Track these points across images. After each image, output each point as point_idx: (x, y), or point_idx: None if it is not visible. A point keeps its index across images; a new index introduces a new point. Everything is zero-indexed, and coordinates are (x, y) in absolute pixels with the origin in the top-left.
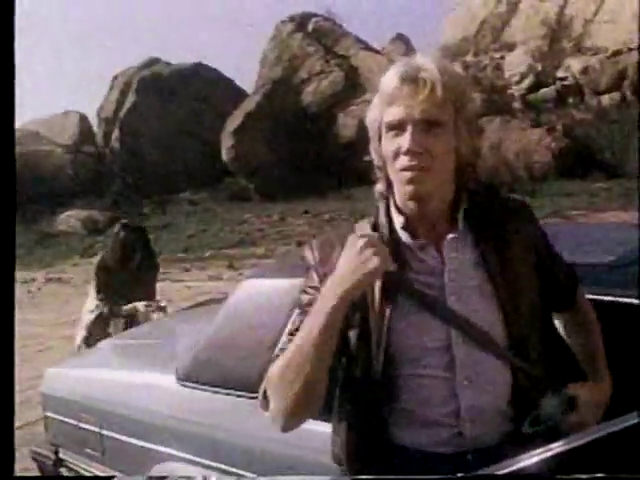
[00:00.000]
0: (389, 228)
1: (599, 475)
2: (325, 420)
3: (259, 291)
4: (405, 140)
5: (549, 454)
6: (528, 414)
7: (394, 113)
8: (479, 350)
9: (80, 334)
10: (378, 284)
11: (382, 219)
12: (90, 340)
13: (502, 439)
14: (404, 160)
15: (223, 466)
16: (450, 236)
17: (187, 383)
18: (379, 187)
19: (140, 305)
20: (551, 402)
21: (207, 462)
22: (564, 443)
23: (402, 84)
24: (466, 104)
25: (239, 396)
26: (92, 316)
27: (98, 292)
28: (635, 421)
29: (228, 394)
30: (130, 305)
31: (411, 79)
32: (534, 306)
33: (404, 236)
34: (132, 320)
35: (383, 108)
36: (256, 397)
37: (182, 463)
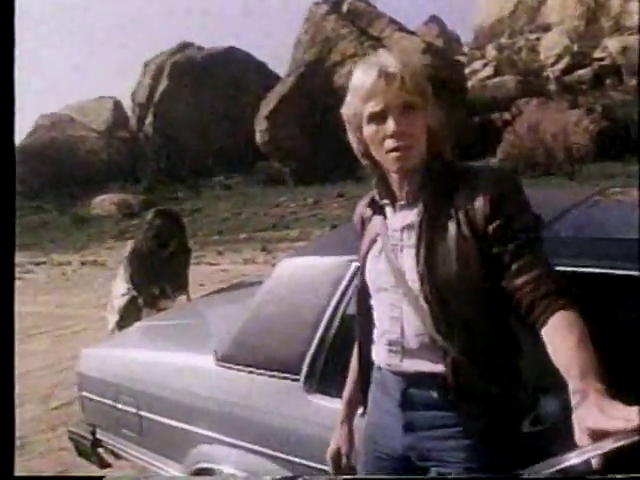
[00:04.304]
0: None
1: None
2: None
3: (298, 270)
4: (389, 126)
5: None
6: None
7: (374, 105)
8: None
9: (112, 318)
10: (366, 241)
11: (375, 192)
12: (123, 324)
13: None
14: (390, 142)
15: (262, 449)
16: (400, 202)
17: (226, 364)
18: (368, 169)
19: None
20: (551, 402)
21: (246, 445)
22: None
23: (378, 80)
24: (427, 87)
25: (279, 377)
26: (124, 300)
27: (131, 279)
28: None
29: (268, 375)
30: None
31: (384, 74)
32: (464, 280)
33: (384, 201)
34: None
35: (362, 103)
36: (296, 378)
37: (220, 445)
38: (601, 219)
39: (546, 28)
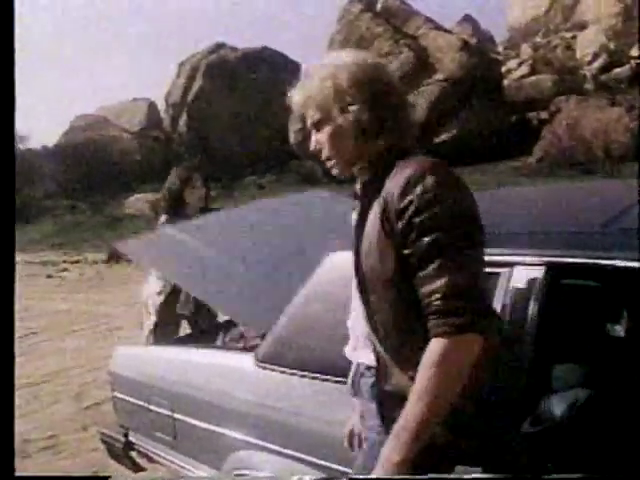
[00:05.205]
0: None
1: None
2: None
3: (345, 265)
4: (311, 144)
5: None
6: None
7: (303, 128)
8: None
9: (149, 321)
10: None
11: None
12: (160, 326)
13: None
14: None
15: (305, 456)
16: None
17: (267, 365)
18: None
19: None
20: (551, 402)
21: (287, 451)
22: None
23: (292, 110)
24: (328, 101)
25: (323, 380)
26: (160, 299)
27: None
28: None
29: (312, 377)
30: None
31: (292, 105)
32: (379, 275)
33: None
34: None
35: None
36: (341, 381)
37: (259, 451)
38: None
39: (582, 26)
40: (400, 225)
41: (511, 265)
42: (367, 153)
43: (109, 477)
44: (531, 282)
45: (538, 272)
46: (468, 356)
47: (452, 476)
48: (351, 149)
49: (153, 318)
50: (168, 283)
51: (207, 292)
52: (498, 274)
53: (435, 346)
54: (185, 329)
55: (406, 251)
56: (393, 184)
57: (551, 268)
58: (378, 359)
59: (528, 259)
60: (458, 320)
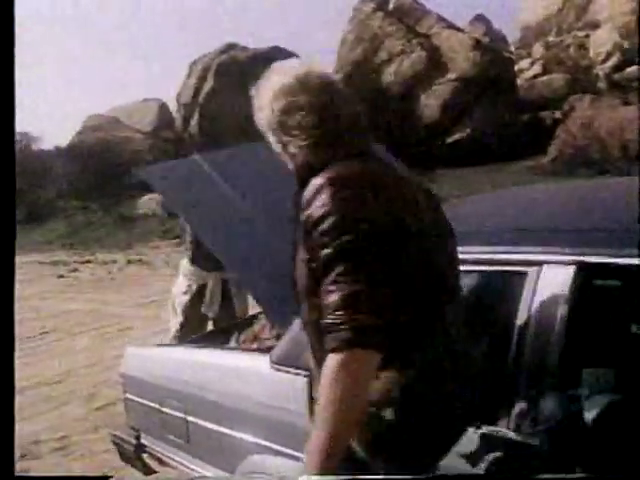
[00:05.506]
0: None
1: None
2: None
3: None
4: None
5: None
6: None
7: None
8: None
9: (175, 321)
10: None
11: None
12: (187, 326)
13: None
14: None
15: None
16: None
17: (282, 367)
18: None
19: None
20: (551, 403)
21: (302, 455)
22: None
23: None
24: (273, 113)
25: None
26: (186, 298)
27: (192, 262)
28: None
29: None
30: None
31: None
32: (300, 287)
33: None
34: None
35: None
36: None
37: (274, 456)
38: None
39: (595, 25)
40: (305, 239)
41: (539, 264)
42: (293, 166)
43: (110, 477)
44: (561, 282)
45: (568, 272)
46: (361, 371)
47: (452, 476)
48: (287, 162)
49: (179, 318)
50: (194, 283)
51: (212, 237)
52: (525, 274)
53: (328, 362)
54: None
55: (313, 265)
56: (302, 198)
57: (582, 268)
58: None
59: (557, 258)
60: (346, 335)
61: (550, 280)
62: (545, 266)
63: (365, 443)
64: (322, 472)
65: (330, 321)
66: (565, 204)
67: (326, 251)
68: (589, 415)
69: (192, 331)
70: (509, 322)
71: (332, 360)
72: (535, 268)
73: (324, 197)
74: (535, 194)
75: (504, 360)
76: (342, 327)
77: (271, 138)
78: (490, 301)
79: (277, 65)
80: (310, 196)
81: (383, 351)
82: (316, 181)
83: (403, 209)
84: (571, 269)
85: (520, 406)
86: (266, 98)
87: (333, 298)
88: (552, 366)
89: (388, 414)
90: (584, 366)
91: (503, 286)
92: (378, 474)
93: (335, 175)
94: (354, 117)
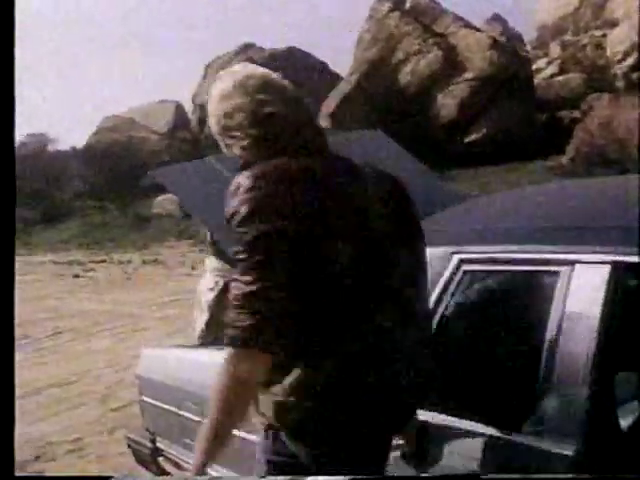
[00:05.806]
0: None
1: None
2: None
3: None
4: None
5: None
6: None
7: None
8: None
9: (200, 319)
10: None
11: None
12: (213, 324)
13: None
14: None
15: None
16: None
17: None
18: None
19: None
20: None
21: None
22: None
23: None
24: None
25: None
26: (213, 294)
27: (217, 255)
28: None
29: None
30: None
31: None
32: None
33: None
34: None
35: None
36: None
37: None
38: None
39: (612, 24)
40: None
41: (571, 263)
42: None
43: (111, 477)
44: (594, 282)
45: (602, 272)
46: (241, 369)
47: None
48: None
49: (205, 315)
50: (221, 280)
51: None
52: (557, 273)
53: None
54: None
55: None
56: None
57: (617, 267)
58: None
59: (590, 257)
60: (233, 332)
61: (583, 280)
62: (577, 265)
63: (289, 432)
64: (205, 457)
65: (228, 318)
66: (595, 201)
67: (233, 248)
68: (624, 422)
69: (218, 329)
70: (540, 323)
71: (225, 354)
72: (567, 267)
73: (239, 193)
74: (562, 191)
75: (536, 362)
76: (231, 325)
77: (220, 143)
78: (521, 301)
79: (222, 72)
80: (229, 192)
81: (271, 350)
82: (237, 179)
83: (320, 209)
84: (605, 269)
85: (551, 411)
86: (212, 105)
87: (231, 296)
88: (585, 369)
89: (307, 402)
90: (618, 370)
91: (534, 286)
92: (309, 466)
93: (254, 172)
94: (295, 115)
